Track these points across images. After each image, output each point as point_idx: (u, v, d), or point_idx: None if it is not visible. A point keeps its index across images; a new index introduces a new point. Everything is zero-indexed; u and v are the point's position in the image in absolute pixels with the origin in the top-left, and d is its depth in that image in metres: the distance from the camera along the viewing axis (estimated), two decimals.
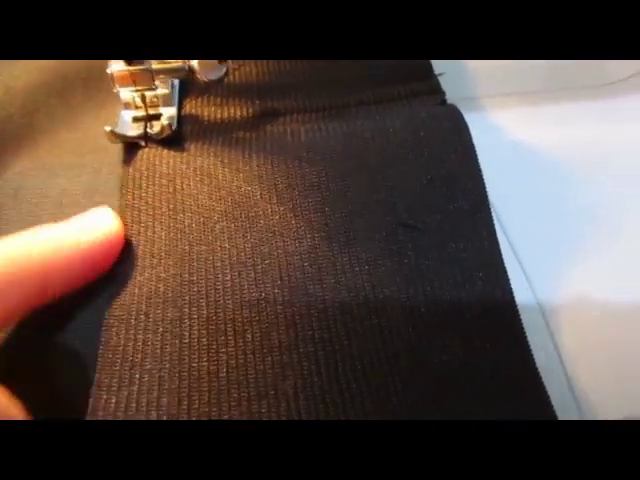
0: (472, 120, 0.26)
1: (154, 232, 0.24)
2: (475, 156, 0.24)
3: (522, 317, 0.22)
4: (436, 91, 0.29)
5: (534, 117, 0.32)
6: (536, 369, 0.21)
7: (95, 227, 0.22)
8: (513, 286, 0.22)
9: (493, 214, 0.23)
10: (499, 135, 0.31)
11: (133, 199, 0.24)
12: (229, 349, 0.21)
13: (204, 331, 0.21)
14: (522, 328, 0.22)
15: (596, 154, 0.30)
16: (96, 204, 0.25)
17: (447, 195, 0.23)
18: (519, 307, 0.22)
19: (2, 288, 0.19)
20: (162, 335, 0.21)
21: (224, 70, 0.26)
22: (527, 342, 0.21)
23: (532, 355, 0.21)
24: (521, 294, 0.23)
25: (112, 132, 0.25)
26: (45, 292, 0.20)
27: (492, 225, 0.23)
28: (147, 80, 0.25)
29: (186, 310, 0.22)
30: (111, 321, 0.21)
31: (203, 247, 0.23)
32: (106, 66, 0.26)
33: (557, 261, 0.26)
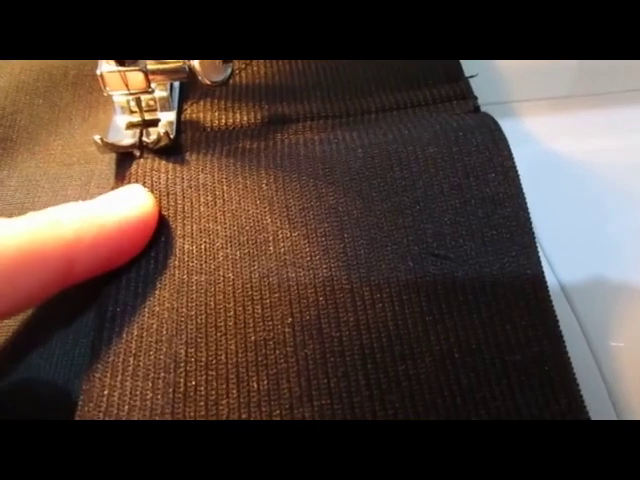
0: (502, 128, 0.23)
1: (148, 258, 0.21)
2: (517, 175, 0.21)
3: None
4: (466, 96, 0.26)
5: (567, 124, 0.29)
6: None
7: (127, 207, 0.20)
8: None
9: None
10: (531, 144, 0.29)
11: None
12: (231, 400, 0.18)
13: (202, 378, 0.18)
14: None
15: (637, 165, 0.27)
16: None
17: (484, 220, 0.20)
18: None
19: (26, 265, 0.17)
20: (153, 382, 0.18)
21: (229, 71, 0.23)
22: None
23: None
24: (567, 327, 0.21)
25: (102, 141, 0.22)
26: (70, 273, 0.19)
27: (537, 257, 0.20)
28: (141, 83, 0.22)
29: (182, 352, 0.19)
30: (94, 364, 0.18)
31: (203, 277, 0.20)
32: (97, 65, 0.23)
33: (603, 288, 0.23)
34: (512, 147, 0.22)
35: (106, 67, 0.22)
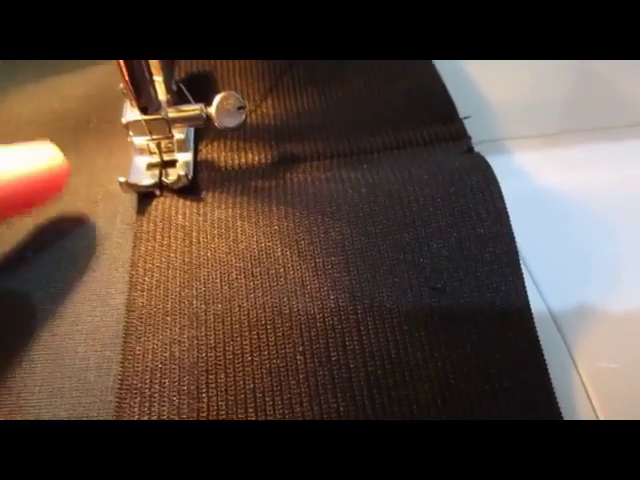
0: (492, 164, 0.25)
1: (167, 288, 0.23)
2: (507, 216, 0.23)
3: (556, 379, 0.21)
4: (461, 136, 0.28)
5: (556, 159, 0.31)
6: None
7: (35, 157, 0.22)
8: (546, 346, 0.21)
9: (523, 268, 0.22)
10: (522, 178, 0.30)
11: (146, 252, 0.23)
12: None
13: (222, 403, 0.20)
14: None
15: (621, 197, 0.29)
16: (113, 255, 0.24)
17: (477, 257, 0.22)
18: (553, 372, 0.21)
19: None
20: (178, 408, 0.20)
21: (243, 117, 0.25)
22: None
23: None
24: (555, 353, 0.22)
25: (126, 182, 0.24)
26: None
27: (525, 292, 0.22)
28: (163, 129, 0.24)
29: (203, 379, 0.21)
30: (124, 390, 0.20)
31: (219, 306, 0.22)
32: (121, 111, 0.25)
33: (590, 313, 0.24)
34: (503, 181, 0.24)
35: (131, 116, 0.24)
